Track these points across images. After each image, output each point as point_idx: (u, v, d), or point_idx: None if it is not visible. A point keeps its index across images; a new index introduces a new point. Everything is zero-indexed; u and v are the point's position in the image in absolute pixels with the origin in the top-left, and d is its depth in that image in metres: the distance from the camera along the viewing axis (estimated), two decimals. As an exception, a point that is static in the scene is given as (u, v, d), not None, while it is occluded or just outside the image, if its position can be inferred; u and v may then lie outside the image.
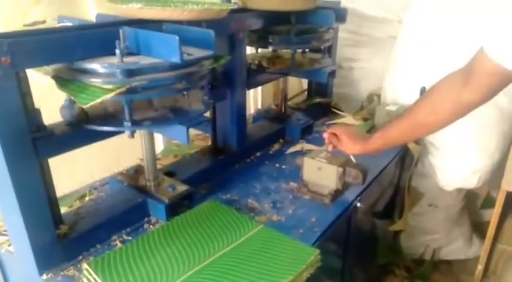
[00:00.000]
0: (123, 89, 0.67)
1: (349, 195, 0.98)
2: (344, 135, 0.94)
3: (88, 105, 0.65)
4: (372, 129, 1.35)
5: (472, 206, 1.72)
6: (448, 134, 1.38)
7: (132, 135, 0.75)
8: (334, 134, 0.96)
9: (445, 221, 1.59)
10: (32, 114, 0.67)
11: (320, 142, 1.27)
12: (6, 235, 0.80)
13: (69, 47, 0.66)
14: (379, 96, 1.63)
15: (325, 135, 0.98)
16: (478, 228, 1.72)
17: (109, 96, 0.66)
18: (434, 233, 1.61)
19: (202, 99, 0.85)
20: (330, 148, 0.97)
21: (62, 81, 0.70)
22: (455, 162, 1.39)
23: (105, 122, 0.75)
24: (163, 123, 0.77)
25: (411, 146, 1.32)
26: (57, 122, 0.76)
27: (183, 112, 0.82)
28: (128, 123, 0.73)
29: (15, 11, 0.87)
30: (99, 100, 0.65)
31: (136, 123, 0.74)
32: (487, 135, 1.34)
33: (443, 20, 1.33)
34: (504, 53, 0.60)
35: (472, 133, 1.33)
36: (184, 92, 0.80)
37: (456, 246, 1.66)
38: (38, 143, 0.67)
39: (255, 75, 1.19)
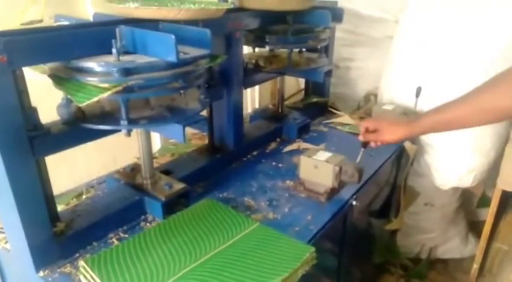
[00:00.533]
0: (120, 88, 0.67)
1: (345, 193, 0.99)
2: (383, 123, 0.91)
3: (85, 104, 0.65)
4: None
5: (468, 205, 1.73)
6: (444, 134, 1.39)
7: (128, 134, 0.76)
8: (368, 130, 0.93)
9: (441, 220, 1.60)
10: (29, 113, 0.67)
11: (317, 141, 1.28)
12: (2, 233, 0.81)
13: (65, 46, 0.66)
14: (375, 95, 1.64)
15: (361, 137, 0.95)
16: (474, 227, 1.73)
17: (105, 95, 0.66)
18: (430, 232, 1.62)
19: (198, 98, 0.86)
20: (373, 145, 0.95)
21: (58, 79, 0.71)
22: (450, 161, 1.40)
23: (102, 121, 0.75)
24: (159, 121, 0.78)
25: (407, 145, 1.32)
26: (54, 121, 0.76)
27: (180, 111, 0.82)
28: (124, 122, 0.73)
29: (12, 10, 0.87)
30: (95, 99, 0.65)
31: (132, 122, 0.74)
32: (483, 134, 1.35)
33: (440, 21, 1.34)
34: None
35: (468, 132, 1.34)
36: (181, 91, 0.80)
37: (452, 245, 1.67)
38: (35, 141, 0.68)
39: (252, 74, 1.19)
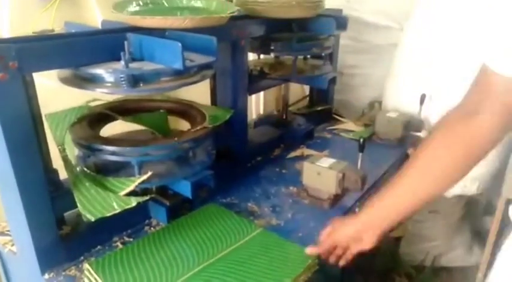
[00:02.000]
0: (136, 183, 0.75)
1: (348, 200, 0.99)
2: (330, 228, 0.76)
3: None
4: (372, 136, 1.36)
5: (473, 213, 1.72)
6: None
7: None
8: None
9: (446, 228, 1.59)
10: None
11: (321, 147, 1.28)
12: (9, 235, 0.82)
13: (75, 52, 0.68)
14: (380, 103, 1.64)
15: (319, 250, 0.76)
16: (479, 236, 1.71)
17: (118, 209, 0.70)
18: (434, 240, 1.61)
19: (206, 150, 0.90)
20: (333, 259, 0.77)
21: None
22: (455, 169, 1.39)
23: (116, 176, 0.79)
24: (169, 178, 0.82)
25: (411, 152, 1.32)
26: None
27: (188, 164, 0.85)
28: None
29: (24, 18, 0.89)
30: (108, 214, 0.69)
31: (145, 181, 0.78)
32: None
33: (445, 29, 1.35)
34: None
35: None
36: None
37: (457, 253, 1.66)
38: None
39: (256, 80, 1.20)
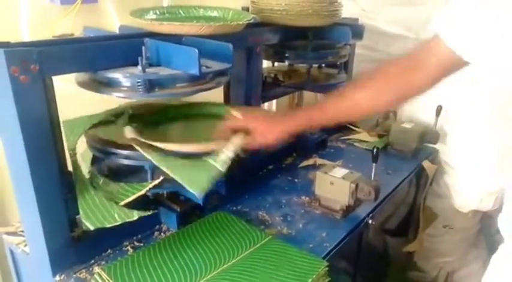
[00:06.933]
0: (148, 187, 0.75)
1: (361, 211, 0.97)
2: (253, 122, 0.79)
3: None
4: (386, 146, 1.34)
5: (488, 228, 1.67)
6: (465, 154, 1.36)
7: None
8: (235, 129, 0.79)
9: (460, 244, 1.54)
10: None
11: (334, 157, 1.27)
12: (22, 236, 0.83)
13: (93, 56, 0.69)
14: (394, 113, 1.62)
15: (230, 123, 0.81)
16: (495, 252, 1.66)
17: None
18: (448, 256, 1.57)
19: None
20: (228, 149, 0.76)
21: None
22: (471, 183, 1.36)
23: (128, 181, 0.80)
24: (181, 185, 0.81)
25: (426, 164, 1.30)
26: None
27: None
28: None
29: (44, 23, 0.91)
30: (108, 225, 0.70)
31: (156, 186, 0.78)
32: (507, 157, 1.31)
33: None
34: (461, 42, 0.61)
35: (492, 155, 1.31)
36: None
37: (471, 270, 1.61)
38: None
39: (270, 88, 1.20)
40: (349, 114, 0.83)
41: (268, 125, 0.80)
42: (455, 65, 0.66)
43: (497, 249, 0.75)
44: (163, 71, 0.72)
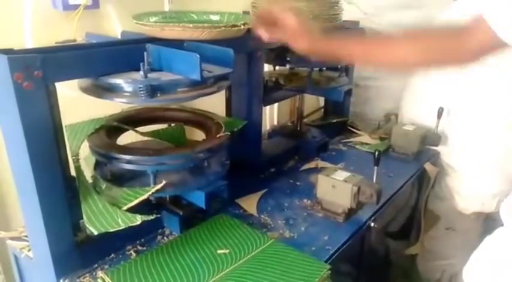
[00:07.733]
0: (151, 192, 0.76)
1: (363, 214, 0.97)
2: (293, 22, 0.76)
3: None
4: (388, 149, 1.34)
5: (492, 230, 1.66)
6: (467, 156, 1.35)
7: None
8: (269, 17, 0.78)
9: (463, 246, 1.53)
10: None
11: (335, 160, 1.27)
12: (26, 240, 0.83)
13: (96, 62, 0.70)
14: (396, 115, 1.62)
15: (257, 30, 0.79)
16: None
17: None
18: (451, 258, 1.56)
19: (220, 160, 0.90)
20: (264, 37, 0.79)
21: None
22: (473, 185, 1.36)
23: (131, 185, 0.80)
24: (184, 188, 0.83)
25: (428, 167, 1.30)
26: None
27: (202, 174, 0.86)
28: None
29: (46, 29, 0.92)
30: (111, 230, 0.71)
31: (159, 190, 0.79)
32: (507, 158, 1.31)
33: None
34: (505, 25, 0.59)
35: (495, 157, 1.30)
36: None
37: (475, 272, 1.60)
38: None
39: (271, 92, 1.21)
40: (384, 62, 0.78)
41: (301, 29, 0.76)
42: (496, 47, 0.64)
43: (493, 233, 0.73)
44: (165, 76, 0.73)
